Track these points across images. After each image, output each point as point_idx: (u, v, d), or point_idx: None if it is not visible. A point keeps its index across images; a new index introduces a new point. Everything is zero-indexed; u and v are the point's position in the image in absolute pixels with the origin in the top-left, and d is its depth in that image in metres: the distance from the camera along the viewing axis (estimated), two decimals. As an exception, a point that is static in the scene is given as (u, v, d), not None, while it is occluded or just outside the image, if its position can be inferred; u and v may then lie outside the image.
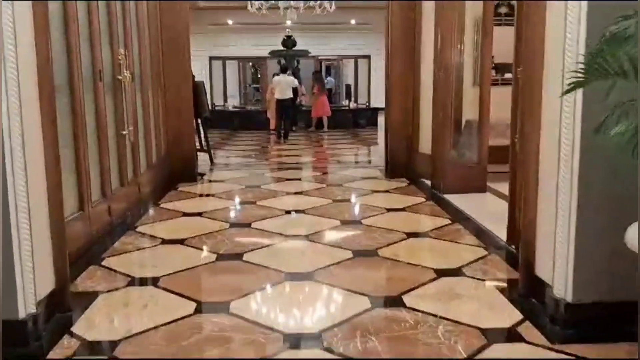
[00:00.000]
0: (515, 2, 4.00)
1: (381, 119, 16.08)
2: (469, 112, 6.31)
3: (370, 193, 6.03)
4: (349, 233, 4.46)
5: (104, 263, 3.74)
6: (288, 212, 5.18)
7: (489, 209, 5.18)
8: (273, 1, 10.18)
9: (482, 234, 4.30)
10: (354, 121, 14.69)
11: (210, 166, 8.22)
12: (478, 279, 3.35)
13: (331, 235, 4.37)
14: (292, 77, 12.53)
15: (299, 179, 6.94)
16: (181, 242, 4.23)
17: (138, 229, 4.63)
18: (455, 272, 3.48)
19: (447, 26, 5.76)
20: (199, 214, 5.10)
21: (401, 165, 6.98)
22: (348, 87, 24.79)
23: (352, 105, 15.83)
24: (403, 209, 5.23)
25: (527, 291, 3.07)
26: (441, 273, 3.43)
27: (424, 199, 5.69)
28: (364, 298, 3.03)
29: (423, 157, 6.72)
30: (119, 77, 4.79)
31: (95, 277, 3.47)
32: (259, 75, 23.95)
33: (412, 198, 5.74)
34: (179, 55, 6.71)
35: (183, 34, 6.72)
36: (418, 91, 6.81)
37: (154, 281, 3.39)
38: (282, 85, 11.92)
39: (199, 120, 8.21)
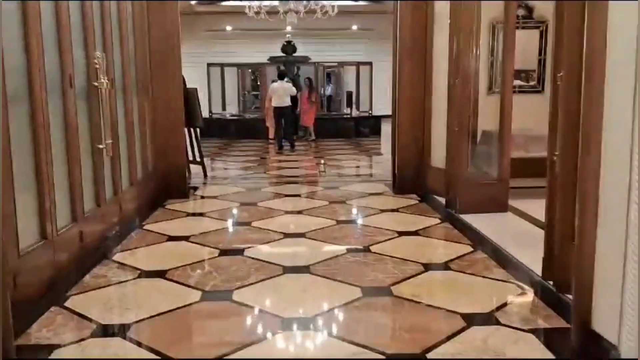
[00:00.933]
0: (555, 2, 3.43)
1: (385, 127, 15.55)
2: (485, 122, 5.75)
3: (377, 212, 5.44)
4: (357, 264, 3.86)
5: (68, 303, 3.15)
6: (287, 235, 4.59)
7: (514, 233, 4.60)
8: (272, 1, 9.59)
9: (510, 266, 3.71)
10: (356, 130, 14.13)
11: (204, 179, 7.64)
12: (516, 328, 2.75)
13: (336, 267, 3.78)
14: (290, 84, 11.95)
15: (299, 195, 6.35)
16: (163, 274, 3.64)
17: (115, 257, 4.04)
18: (488, 318, 2.88)
19: (465, 29, 5.19)
20: (186, 238, 4.51)
21: (411, 180, 6.40)
22: (349, 94, 24.26)
23: (354, 113, 15.22)
24: (416, 233, 4.64)
25: (581, 348, 2.48)
26: (470, 320, 2.83)
27: (438, 220, 5.10)
28: (378, 358, 2.44)
29: (435, 171, 6.15)
30: (95, 84, 4.21)
31: (54, 324, 2.87)
32: (259, 82, 23.43)
33: (425, 219, 5.15)
34: (168, 59, 6.14)
35: (173, 36, 6.16)
36: (430, 99, 6.24)
37: (124, 329, 2.80)
38: (279, 92, 11.35)
39: (192, 131, 7.65)
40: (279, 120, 11.36)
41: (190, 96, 7.44)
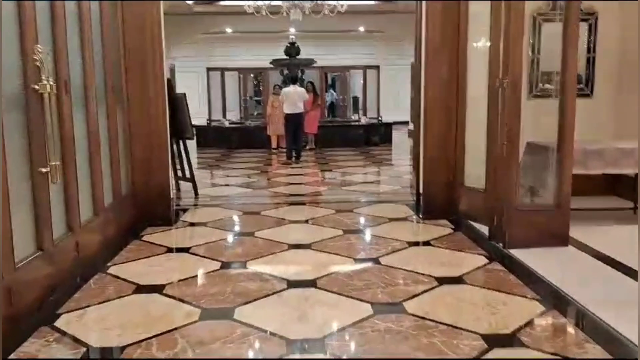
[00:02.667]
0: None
1: (396, 136, 14.49)
2: (529, 131, 4.67)
3: (405, 247, 4.34)
4: (389, 334, 2.77)
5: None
6: (292, 284, 3.50)
7: (591, 280, 3.49)
8: (274, 0, 8.53)
9: (611, 341, 2.61)
10: (366, 138, 13.02)
11: (195, 199, 6.56)
12: None
13: (361, 342, 2.69)
14: (303, 89, 10.84)
15: (306, 221, 5.26)
16: (119, 352, 2.57)
17: (59, 322, 2.97)
18: None
19: (515, 23, 4.11)
20: (160, 289, 3.43)
21: (440, 202, 5.31)
22: (355, 99, 23.20)
23: (363, 120, 14.13)
24: (461, 279, 3.55)
25: None
26: None
27: (484, 259, 4.00)
28: None
29: (471, 193, 5.07)
30: (36, 87, 3.14)
31: None
32: (261, 88, 22.40)
33: (467, 257, 4.06)
34: (147, 60, 5.09)
35: (154, 32, 5.11)
36: (463, 106, 5.16)
37: None
38: (292, 98, 10.21)
39: (181, 143, 6.59)
40: (292, 128, 10.23)
41: (177, 103, 6.38)
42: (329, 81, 23.18)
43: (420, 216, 5.35)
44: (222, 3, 13.82)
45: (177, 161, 6.79)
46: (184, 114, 6.42)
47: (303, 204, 6.16)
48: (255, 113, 22.03)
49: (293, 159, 10.21)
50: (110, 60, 4.62)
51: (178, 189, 6.86)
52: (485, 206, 4.69)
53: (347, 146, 12.49)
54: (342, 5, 8.94)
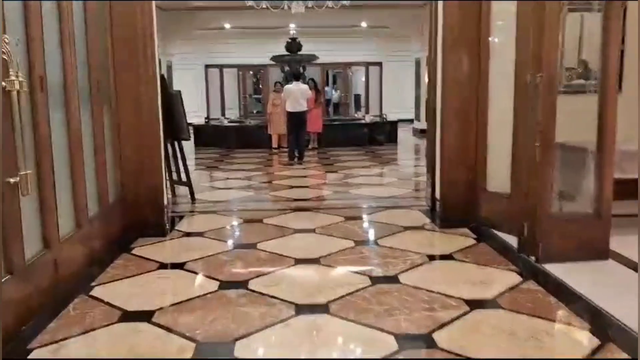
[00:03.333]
0: None
1: (400, 134, 14.02)
2: (559, 131, 4.20)
3: (426, 261, 3.88)
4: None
5: None
6: (300, 309, 3.04)
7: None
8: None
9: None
10: (370, 137, 12.56)
11: (192, 204, 6.11)
12: None
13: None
14: (306, 86, 10.33)
15: (313, 230, 4.79)
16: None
17: (32, 356, 2.52)
18: None
19: (549, 13, 3.66)
20: (149, 316, 2.97)
21: (459, 208, 4.86)
22: (357, 97, 22.70)
23: (367, 118, 13.65)
24: (495, 302, 3.10)
25: None
26: None
27: (517, 276, 3.55)
28: None
29: (494, 198, 4.62)
30: (2, 84, 2.68)
31: None
32: (260, 85, 21.92)
33: (496, 273, 3.61)
34: (138, 55, 4.62)
35: (145, 26, 4.64)
36: (485, 103, 4.70)
37: None
38: (295, 95, 9.68)
39: (176, 144, 6.13)
40: (295, 127, 9.75)
41: (172, 101, 5.92)
42: (330, 78, 22.71)
43: (438, 224, 4.89)
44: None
45: (172, 164, 6.34)
46: (179, 113, 5.95)
47: (308, 209, 5.70)
48: (255, 111, 21.57)
49: (295, 159, 9.74)
50: (96, 55, 4.16)
51: (174, 194, 6.41)
52: (510, 213, 4.25)
53: (351, 145, 12.04)
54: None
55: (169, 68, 14.98)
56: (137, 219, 4.72)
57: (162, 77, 5.72)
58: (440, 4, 4.91)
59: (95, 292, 3.39)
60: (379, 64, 20.86)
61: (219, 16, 15.64)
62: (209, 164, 10.16)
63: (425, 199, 5.71)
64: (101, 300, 3.24)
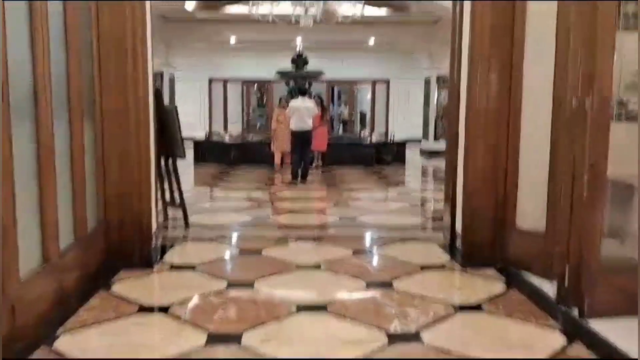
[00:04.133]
0: None
1: (409, 154, 13.47)
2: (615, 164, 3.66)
3: (451, 312, 3.31)
4: None
5: None
6: (304, 376, 2.48)
7: None
8: (285, 0, 7.56)
9: None
10: (377, 157, 12.04)
11: (185, 229, 5.56)
12: None
13: None
14: (312, 103, 9.81)
15: (318, 267, 4.24)
16: None
17: None
18: None
19: (602, 26, 3.15)
20: (118, 381, 2.42)
21: (484, 247, 4.30)
22: (363, 114, 22.25)
23: (374, 138, 13.14)
24: (541, 375, 2.53)
25: None
26: None
27: (560, 336, 2.98)
28: None
29: (526, 237, 4.07)
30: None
31: None
32: (265, 100, 21.50)
33: (535, 331, 3.04)
34: (126, 63, 4.11)
35: (136, 28, 4.13)
36: (517, 127, 4.16)
37: None
38: (301, 113, 9.11)
39: (169, 163, 5.61)
40: (300, 146, 9.21)
41: (167, 117, 5.41)
42: (336, 94, 22.28)
43: (459, 262, 4.34)
44: (227, 10, 12.91)
45: (165, 183, 5.81)
46: (173, 129, 5.44)
47: (312, 239, 5.15)
48: (258, 125, 21.12)
49: (298, 179, 9.20)
50: (77, 61, 3.65)
51: (166, 217, 5.87)
52: (545, 254, 3.70)
53: (356, 164, 11.51)
54: (360, 9, 7.91)
55: (172, 81, 14.52)
56: (121, 247, 4.18)
57: (156, 90, 5.23)
58: (467, 4, 4.39)
59: (60, 343, 2.83)
60: (386, 82, 20.44)
61: (225, 29, 15.20)
62: (208, 181, 9.63)
63: (442, 230, 5.17)
64: (62, 357, 2.67)
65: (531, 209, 4.07)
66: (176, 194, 5.80)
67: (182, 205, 5.70)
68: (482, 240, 4.31)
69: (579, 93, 3.26)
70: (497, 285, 3.83)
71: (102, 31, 4.03)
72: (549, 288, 3.61)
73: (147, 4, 4.33)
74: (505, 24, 4.13)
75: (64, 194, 3.46)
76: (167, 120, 5.41)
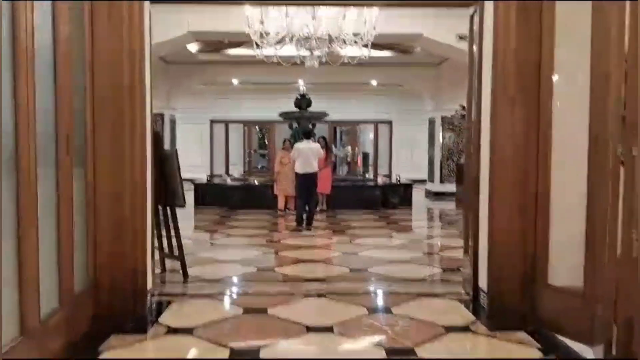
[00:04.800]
0: None
1: (416, 196, 13.12)
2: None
3: (486, 389, 2.89)
4: None
5: None
6: None
7: None
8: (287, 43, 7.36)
9: None
10: (384, 199, 11.68)
11: (183, 282, 5.16)
12: None
13: None
14: (318, 145, 9.50)
15: (330, 329, 3.81)
16: None
17: None
18: None
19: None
20: None
21: (513, 305, 3.89)
22: (365, 155, 22.03)
23: (380, 179, 12.80)
24: None
25: None
26: None
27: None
28: None
29: (560, 295, 3.68)
30: None
31: None
32: (266, 141, 21.30)
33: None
34: (123, 104, 3.80)
35: (134, 64, 3.84)
36: (547, 175, 3.81)
37: None
38: (306, 155, 8.79)
39: (168, 211, 5.25)
40: (305, 190, 8.84)
41: (166, 163, 5.08)
42: (339, 135, 22.13)
43: (485, 323, 3.91)
44: (229, 51, 12.79)
45: (163, 233, 5.44)
46: (173, 176, 5.10)
47: (322, 295, 4.73)
48: (260, 166, 20.87)
49: (304, 224, 8.80)
50: (67, 101, 3.33)
51: (163, 268, 5.48)
52: (584, 316, 3.31)
53: (362, 208, 11.13)
54: (368, 47, 7.69)
55: (173, 122, 14.31)
56: (112, 311, 3.78)
57: (155, 134, 4.93)
58: (488, 50, 4.11)
59: None
60: (389, 123, 20.28)
61: (227, 71, 15.09)
62: (208, 227, 9.24)
63: (463, 283, 4.77)
64: None
65: (565, 264, 3.69)
66: (175, 244, 5.42)
67: (181, 257, 5.30)
68: (511, 300, 3.91)
69: (623, 141, 2.93)
70: (533, 353, 3.41)
71: (98, 70, 3.74)
72: (589, 353, 3.21)
73: (147, 43, 4.07)
74: (532, 59, 3.84)
75: (47, 255, 3.09)
76: (166, 166, 5.07)
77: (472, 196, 4.45)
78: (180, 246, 5.33)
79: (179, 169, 5.12)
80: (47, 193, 3.09)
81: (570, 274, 3.59)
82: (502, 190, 3.98)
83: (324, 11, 7.18)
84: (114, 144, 3.79)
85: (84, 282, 3.63)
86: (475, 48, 4.51)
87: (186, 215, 10.72)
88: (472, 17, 4.69)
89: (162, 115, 13.62)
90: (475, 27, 4.45)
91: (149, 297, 4.06)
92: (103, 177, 3.78)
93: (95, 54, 3.71)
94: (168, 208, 5.31)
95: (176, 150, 5.33)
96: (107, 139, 3.80)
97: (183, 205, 5.22)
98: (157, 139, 4.93)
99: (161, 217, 5.38)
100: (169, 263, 5.56)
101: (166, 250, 5.51)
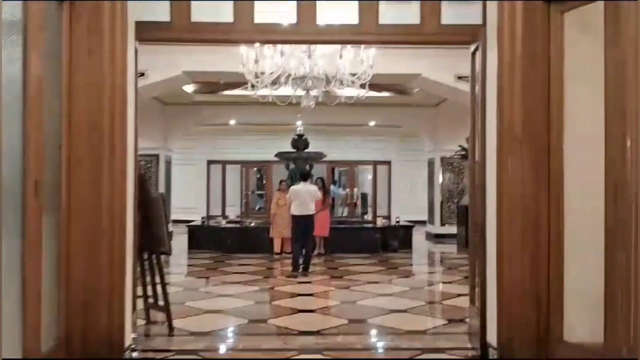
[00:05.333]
0: None
1: (416, 238, 12.77)
2: None
3: None
4: None
5: None
6: None
7: None
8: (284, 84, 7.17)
9: None
10: (384, 242, 11.32)
11: (168, 334, 4.79)
12: None
13: None
14: (315, 187, 9.17)
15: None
16: None
17: None
18: None
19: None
20: None
21: (525, 364, 3.54)
22: (364, 196, 21.73)
23: (379, 222, 12.45)
24: None
25: None
26: None
27: None
28: None
29: (576, 351, 3.32)
30: None
31: None
32: (264, 182, 21.05)
33: None
34: (102, 144, 3.54)
35: (115, 102, 3.60)
36: (559, 222, 3.52)
37: None
38: (303, 198, 8.47)
39: (153, 258, 4.93)
40: (302, 233, 8.52)
41: (152, 207, 4.78)
42: (337, 176, 21.90)
43: (497, 384, 3.55)
44: (225, 92, 12.67)
45: (148, 281, 5.10)
46: (159, 221, 4.79)
47: (320, 351, 4.35)
48: (257, 207, 20.53)
49: (300, 269, 8.43)
50: (36, 140, 3.05)
51: (148, 319, 5.12)
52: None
53: (361, 251, 10.75)
54: (365, 89, 7.50)
55: (168, 163, 14.06)
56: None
57: (140, 176, 4.66)
58: (491, 91, 3.88)
59: None
60: (388, 163, 20.09)
61: (224, 111, 14.93)
62: (200, 273, 8.85)
63: (469, 338, 4.41)
64: None
65: (581, 319, 3.36)
66: (160, 293, 5.07)
67: (167, 308, 4.94)
68: (523, 357, 3.56)
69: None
70: (553, 423, 3.03)
71: (75, 107, 3.49)
72: None
73: (131, 81, 3.84)
74: (540, 99, 3.61)
75: (10, 312, 2.76)
76: (151, 210, 4.78)
77: (478, 243, 4.15)
78: (165, 296, 4.97)
79: (165, 213, 4.82)
80: (11, 245, 2.79)
81: (587, 328, 3.27)
82: (511, 238, 3.68)
83: (320, 49, 7.01)
84: (91, 187, 3.51)
85: (53, 340, 3.28)
86: (477, 87, 4.29)
87: (178, 260, 10.39)
88: (473, 54, 4.49)
89: (157, 156, 13.38)
90: (478, 65, 4.24)
91: (127, 354, 3.70)
92: (78, 224, 3.49)
93: (73, 90, 3.47)
94: (153, 255, 4.98)
95: (162, 194, 5.08)
96: (86, 182, 3.52)
97: (169, 252, 4.90)
98: (142, 181, 4.66)
99: (146, 265, 5.05)
100: (155, 313, 5.20)
101: (151, 300, 5.15)
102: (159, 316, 5.12)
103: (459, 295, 6.65)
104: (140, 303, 4.86)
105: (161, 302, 5.05)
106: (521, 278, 3.62)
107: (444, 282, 7.75)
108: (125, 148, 3.67)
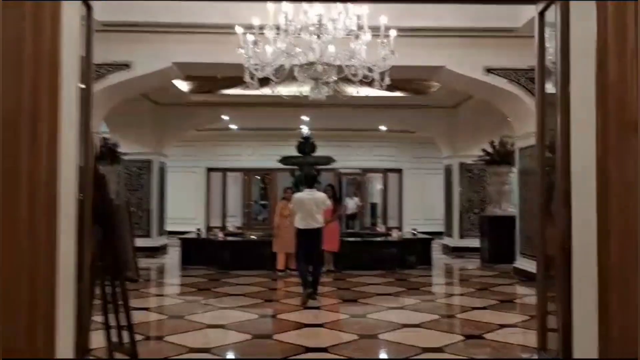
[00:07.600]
0: None
1: (436, 256, 11.50)
2: None
3: None
4: None
5: None
6: None
7: None
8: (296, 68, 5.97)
9: None
10: (401, 258, 10.09)
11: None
12: None
13: None
14: (323, 195, 7.70)
15: None
16: None
17: None
18: None
19: None
20: None
21: None
22: (373, 206, 20.53)
23: (395, 234, 11.19)
24: None
25: None
26: None
27: None
28: None
29: None
30: None
31: None
32: (267, 190, 19.88)
33: None
34: (20, 132, 2.39)
35: (41, 69, 2.46)
36: None
37: None
38: (308, 208, 7.09)
39: (116, 286, 3.75)
40: (306, 249, 7.10)
41: (114, 218, 3.61)
42: (345, 185, 20.69)
43: None
44: (223, 92, 11.56)
45: (110, 313, 3.92)
46: (123, 238, 3.61)
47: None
48: (261, 218, 19.33)
49: (309, 291, 7.04)
50: None
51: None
52: None
53: (376, 268, 9.53)
54: (383, 81, 6.31)
55: (162, 170, 12.86)
56: None
57: (100, 177, 3.52)
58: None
59: None
60: (399, 171, 18.93)
61: (222, 113, 13.74)
62: (191, 295, 7.65)
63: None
64: None
65: None
66: (125, 327, 3.88)
67: (132, 350, 3.76)
68: None
69: None
70: None
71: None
72: None
73: (65, 46, 2.70)
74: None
75: None
76: (113, 223, 3.60)
77: (560, 275, 2.96)
78: (131, 334, 3.78)
79: (131, 227, 3.64)
80: None
81: None
82: (616, 261, 2.50)
83: (331, 29, 5.85)
84: (10, 199, 2.36)
85: None
86: (552, 51, 3.14)
87: (167, 280, 9.25)
88: (541, 14, 3.36)
89: (149, 162, 12.22)
90: (558, 23, 3.08)
91: None
92: (6, 240, 2.34)
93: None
94: (117, 281, 3.80)
95: (127, 200, 3.88)
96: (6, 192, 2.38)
97: (136, 279, 3.71)
98: (100, 185, 3.48)
99: (109, 297, 3.87)
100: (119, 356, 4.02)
101: (115, 339, 3.97)
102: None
103: (501, 326, 5.46)
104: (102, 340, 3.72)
105: (127, 342, 3.86)
106: (629, 314, 2.44)
107: (478, 308, 6.54)
108: (55, 131, 2.51)
